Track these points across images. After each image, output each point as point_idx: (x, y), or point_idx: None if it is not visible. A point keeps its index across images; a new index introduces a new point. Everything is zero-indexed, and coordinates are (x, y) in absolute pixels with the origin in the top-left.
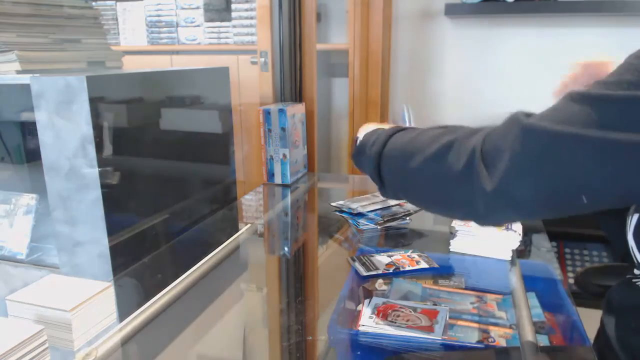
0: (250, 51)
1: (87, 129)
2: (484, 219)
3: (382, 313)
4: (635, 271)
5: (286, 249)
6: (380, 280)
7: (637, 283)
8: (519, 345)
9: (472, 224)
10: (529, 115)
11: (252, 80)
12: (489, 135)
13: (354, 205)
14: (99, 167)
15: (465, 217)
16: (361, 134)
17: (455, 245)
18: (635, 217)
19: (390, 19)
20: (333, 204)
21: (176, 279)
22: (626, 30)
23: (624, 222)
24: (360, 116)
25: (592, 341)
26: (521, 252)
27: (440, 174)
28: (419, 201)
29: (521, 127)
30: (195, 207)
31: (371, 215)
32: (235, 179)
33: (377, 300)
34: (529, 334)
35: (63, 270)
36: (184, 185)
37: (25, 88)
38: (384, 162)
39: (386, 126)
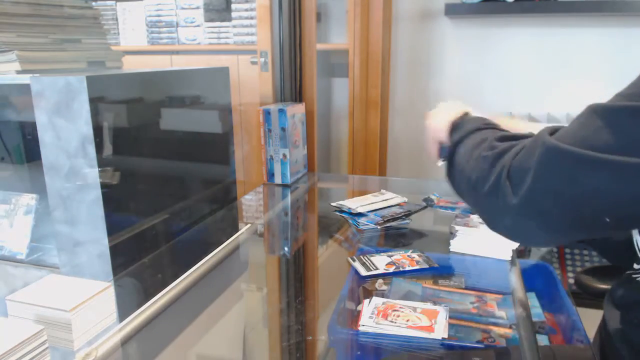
0: (250, 51)
1: (87, 129)
2: (512, 234)
3: (382, 313)
4: (635, 265)
5: (286, 249)
6: (380, 280)
7: (638, 278)
8: (519, 345)
9: (472, 223)
10: (554, 131)
11: (252, 80)
12: (516, 154)
13: (353, 205)
14: (99, 167)
15: (496, 230)
16: (440, 114)
17: (455, 246)
18: None
19: (390, 19)
20: (333, 204)
21: (176, 279)
22: (627, 30)
23: None
24: (360, 116)
25: (592, 339)
26: (521, 252)
27: (475, 187)
28: (469, 205)
29: (545, 147)
30: (195, 207)
31: (371, 215)
32: (235, 179)
33: (377, 300)
34: (529, 334)
35: (63, 270)
36: (184, 185)
37: (26, 88)
38: (455, 157)
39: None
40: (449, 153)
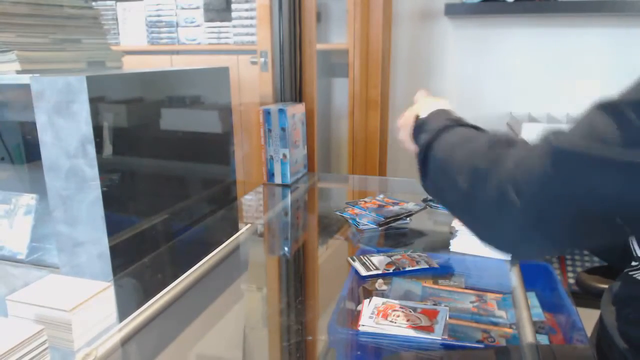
0: (250, 51)
1: (87, 129)
2: (512, 246)
3: (382, 313)
4: (633, 263)
5: (286, 249)
6: (380, 280)
7: (634, 275)
8: (519, 344)
9: None
10: (559, 133)
11: (252, 80)
12: (519, 162)
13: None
14: (99, 167)
15: (493, 243)
16: (423, 107)
17: (455, 245)
18: None
19: (390, 18)
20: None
21: (176, 279)
22: (626, 30)
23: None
24: (360, 116)
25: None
26: None
27: (473, 198)
28: (453, 214)
29: (552, 149)
30: (195, 207)
31: (372, 215)
32: (235, 179)
33: (377, 300)
34: (529, 334)
35: (63, 271)
36: (184, 185)
37: (25, 88)
38: (430, 160)
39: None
40: (421, 159)
